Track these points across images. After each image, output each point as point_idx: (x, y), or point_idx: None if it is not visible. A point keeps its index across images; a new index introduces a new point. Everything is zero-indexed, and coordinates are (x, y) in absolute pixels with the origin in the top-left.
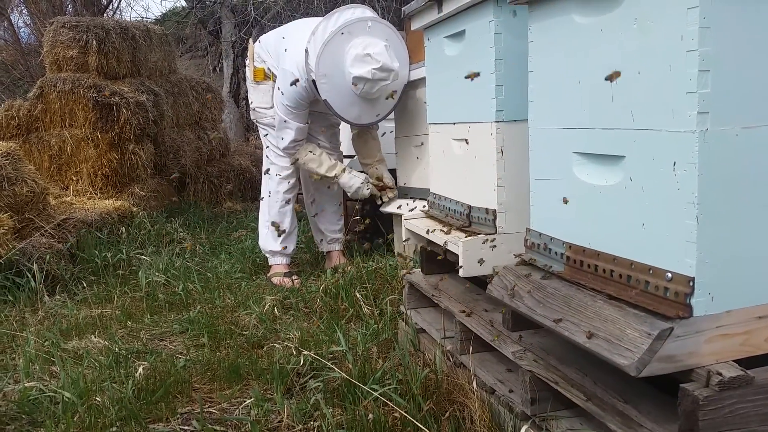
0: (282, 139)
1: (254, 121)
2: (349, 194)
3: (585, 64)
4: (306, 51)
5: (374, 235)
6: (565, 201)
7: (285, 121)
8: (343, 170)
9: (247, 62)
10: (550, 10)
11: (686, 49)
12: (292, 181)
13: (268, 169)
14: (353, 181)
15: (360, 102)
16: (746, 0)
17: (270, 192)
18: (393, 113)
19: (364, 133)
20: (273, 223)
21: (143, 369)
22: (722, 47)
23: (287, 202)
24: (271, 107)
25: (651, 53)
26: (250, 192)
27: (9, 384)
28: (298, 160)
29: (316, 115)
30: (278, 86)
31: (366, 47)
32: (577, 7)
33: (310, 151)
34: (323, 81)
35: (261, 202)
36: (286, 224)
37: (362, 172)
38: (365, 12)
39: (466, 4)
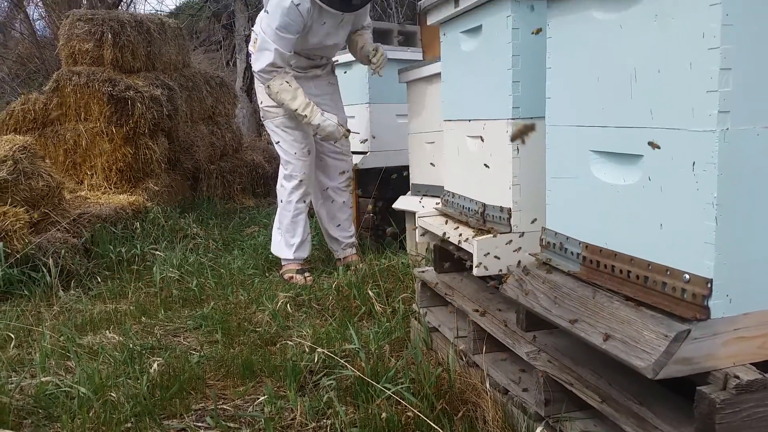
0: (258, 61)
1: (264, 121)
2: (319, 137)
3: (604, 60)
4: None
5: (385, 232)
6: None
7: (266, 42)
8: (315, 110)
9: (250, 50)
10: (569, 6)
11: (708, 46)
12: (305, 189)
13: (282, 177)
14: (326, 123)
15: None
16: None
17: (282, 200)
18: (408, 110)
19: (354, 36)
20: (285, 235)
21: (158, 365)
22: (744, 45)
23: (300, 212)
24: (281, 105)
25: (671, 50)
26: (263, 187)
27: (26, 378)
28: (270, 87)
29: (317, 81)
30: (266, 9)
31: None
32: (597, 2)
33: (287, 82)
34: None
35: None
36: (298, 235)
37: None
38: None
39: None
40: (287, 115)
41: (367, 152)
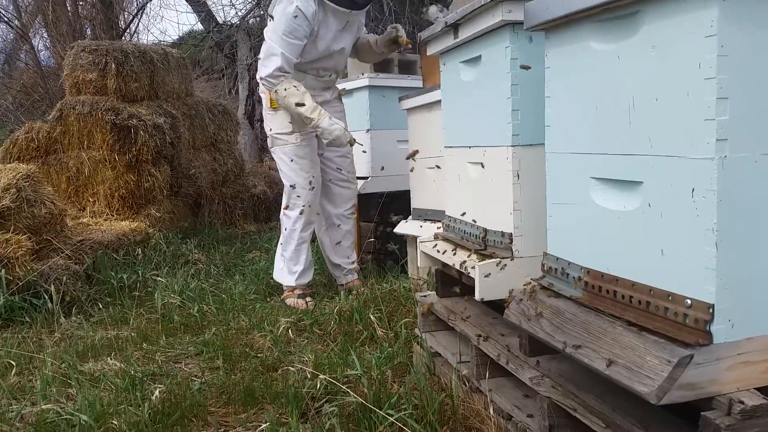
0: (265, 67)
1: (271, 148)
2: (325, 141)
3: (602, 90)
4: None
5: (387, 257)
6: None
7: (273, 48)
8: (322, 114)
9: (261, 89)
10: (567, 37)
11: (704, 76)
12: (308, 218)
13: (287, 206)
14: (334, 127)
15: None
16: (764, 28)
17: (286, 228)
18: (409, 136)
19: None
20: (288, 263)
21: (159, 392)
22: (740, 75)
23: (303, 240)
24: (291, 132)
25: (669, 80)
26: (264, 213)
27: (27, 406)
28: (277, 92)
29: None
30: (272, 15)
31: None
32: (594, 33)
33: (294, 86)
34: None
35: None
36: (301, 263)
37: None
38: None
39: (483, 30)
40: (296, 144)
41: (368, 177)
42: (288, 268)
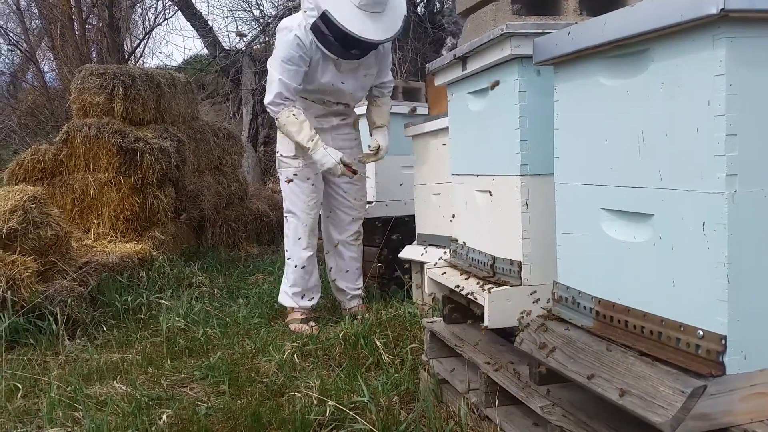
0: (267, 93)
1: (278, 170)
2: (320, 170)
3: (612, 124)
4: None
5: (391, 281)
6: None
7: (273, 75)
8: (318, 144)
9: None
10: (576, 72)
11: (714, 113)
12: (309, 241)
13: (287, 228)
14: (326, 159)
15: (361, 16)
16: None
17: (288, 250)
18: (414, 162)
19: (371, 104)
20: (291, 286)
21: (167, 417)
22: (749, 112)
23: (305, 263)
24: (295, 156)
25: (678, 116)
26: (267, 235)
27: (33, 430)
28: (279, 120)
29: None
30: (273, 44)
31: None
32: (603, 70)
33: (294, 115)
34: None
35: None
36: (299, 285)
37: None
38: None
39: (491, 63)
40: (298, 168)
41: (372, 202)
42: (291, 291)
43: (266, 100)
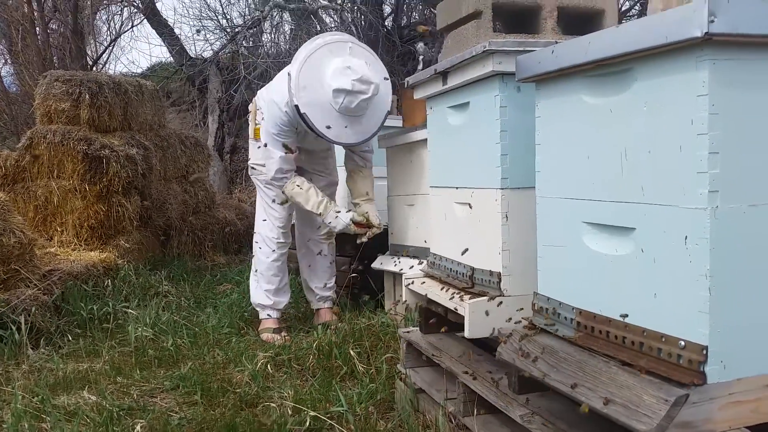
0: (268, 170)
1: (252, 178)
2: (333, 231)
3: (594, 140)
4: (288, 74)
5: (363, 291)
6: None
7: (267, 146)
8: (328, 208)
9: (249, 118)
10: (558, 89)
11: (697, 132)
12: (281, 241)
13: (259, 228)
14: (337, 222)
15: (340, 119)
16: (752, 88)
17: (261, 248)
18: (388, 173)
19: (354, 172)
20: (262, 282)
21: (141, 427)
22: (731, 131)
23: (276, 260)
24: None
25: (661, 134)
26: (233, 245)
27: None
28: (285, 192)
29: (308, 152)
30: (263, 116)
31: (346, 62)
32: (586, 88)
33: (298, 185)
34: (302, 94)
35: (252, 259)
36: (275, 283)
37: (350, 211)
38: (344, 35)
39: (472, 78)
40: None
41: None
42: (261, 287)
43: (268, 177)
